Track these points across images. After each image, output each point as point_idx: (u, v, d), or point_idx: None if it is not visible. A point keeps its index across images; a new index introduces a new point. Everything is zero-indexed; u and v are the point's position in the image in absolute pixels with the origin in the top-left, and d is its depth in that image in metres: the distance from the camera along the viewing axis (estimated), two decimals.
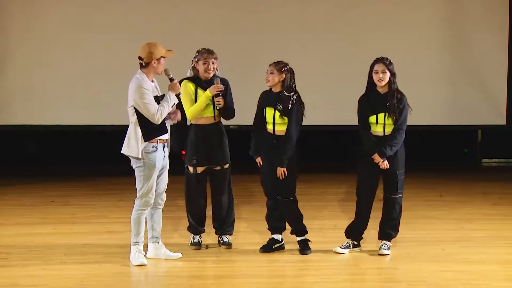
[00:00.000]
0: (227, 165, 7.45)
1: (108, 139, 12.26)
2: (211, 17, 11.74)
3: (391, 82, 7.17)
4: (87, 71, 11.70)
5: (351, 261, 7.13)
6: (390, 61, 7.20)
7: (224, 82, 7.35)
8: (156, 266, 6.94)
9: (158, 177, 6.97)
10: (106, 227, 8.28)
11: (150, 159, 6.84)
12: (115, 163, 12.00)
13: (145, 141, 6.81)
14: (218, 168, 7.42)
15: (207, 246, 7.47)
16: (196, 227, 7.52)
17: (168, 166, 7.06)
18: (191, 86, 7.33)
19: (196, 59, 7.34)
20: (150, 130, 6.82)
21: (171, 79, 6.96)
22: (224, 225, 7.53)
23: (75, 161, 12.16)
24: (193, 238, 7.51)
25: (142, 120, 6.80)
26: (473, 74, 12.10)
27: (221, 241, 7.51)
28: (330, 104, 11.75)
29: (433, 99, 12.09)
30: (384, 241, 7.32)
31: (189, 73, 7.41)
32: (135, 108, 6.79)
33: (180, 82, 7.27)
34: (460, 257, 7.18)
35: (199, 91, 7.31)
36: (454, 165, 12.28)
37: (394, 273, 6.81)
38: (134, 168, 6.93)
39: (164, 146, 6.95)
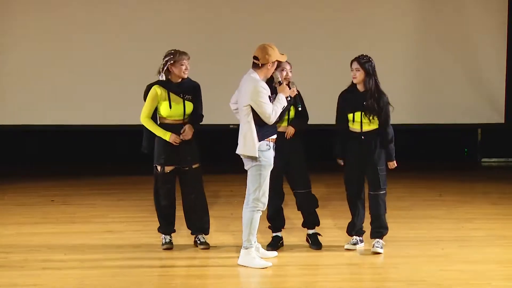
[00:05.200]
0: (196, 165, 7.40)
1: (108, 139, 12.32)
2: (203, 18, 11.75)
3: (365, 81, 7.16)
4: (87, 71, 11.71)
5: (351, 260, 7.14)
6: (368, 59, 7.14)
7: (195, 87, 7.36)
8: (156, 266, 6.94)
9: None
10: (106, 227, 8.28)
11: (266, 157, 6.84)
12: (115, 163, 12.12)
13: (259, 140, 6.80)
14: (187, 168, 7.37)
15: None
16: (166, 227, 7.47)
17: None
18: (162, 92, 7.26)
19: (172, 61, 7.22)
20: (264, 129, 6.83)
21: (279, 83, 6.98)
22: (198, 226, 7.48)
23: (75, 160, 12.17)
24: (164, 238, 7.47)
25: (258, 120, 6.80)
26: (472, 73, 12.11)
27: (198, 242, 7.47)
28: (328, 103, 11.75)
29: (432, 98, 12.09)
30: (377, 240, 7.35)
31: (161, 77, 7.29)
32: (251, 107, 6.79)
33: (149, 87, 7.29)
34: (460, 256, 7.18)
35: (172, 95, 7.25)
36: (453, 165, 12.29)
37: (394, 273, 6.81)
38: (248, 168, 6.89)
39: (274, 145, 6.94)
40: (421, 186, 10.50)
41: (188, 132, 7.28)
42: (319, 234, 7.50)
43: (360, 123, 7.17)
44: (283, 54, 6.94)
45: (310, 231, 7.51)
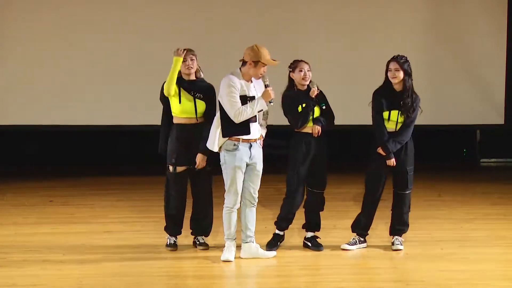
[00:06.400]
0: (208, 167, 7.33)
1: (108, 139, 12.32)
2: (204, 19, 11.74)
3: (405, 81, 7.18)
4: (86, 71, 11.69)
5: (351, 260, 7.13)
6: (405, 59, 7.22)
7: (208, 87, 7.31)
8: (155, 266, 6.94)
9: (249, 176, 6.94)
10: (105, 227, 8.27)
11: (231, 157, 6.81)
12: (114, 163, 12.12)
13: (223, 136, 6.79)
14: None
15: None
16: (173, 228, 7.44)
17: (260, 167, 6.99)
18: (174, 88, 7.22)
19: None
20: (229, 127, 6.78)
21: (266, 86, 6.93)
22: (201, 227, 7.47)
23: (74, 160, 12.16)
24: (169, 239, 7.44)
25: (224, 116, 6.77)
26: (472, 74, 12.10)
27: (197, 242, 7.46)
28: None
29: (432, 98, 12.07)
30: (396, 237, 7.39)
31: None
32: (219, 102, 6.80)
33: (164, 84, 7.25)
34: (459, 256, 7.18)
35: (182, 91, 7.19)
36: (453, 165, 12.28)
37: (393, 273, 6.81)
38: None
39: (251, 145, 6.87)
40: (421, 186, 10.48)
41: (200, 163, 7.20)
42: (318, 237, 7.47)
43: (396, 122, 7.20)
44: (274, 60, 6.85)
45: (309, 234, 7.48)
